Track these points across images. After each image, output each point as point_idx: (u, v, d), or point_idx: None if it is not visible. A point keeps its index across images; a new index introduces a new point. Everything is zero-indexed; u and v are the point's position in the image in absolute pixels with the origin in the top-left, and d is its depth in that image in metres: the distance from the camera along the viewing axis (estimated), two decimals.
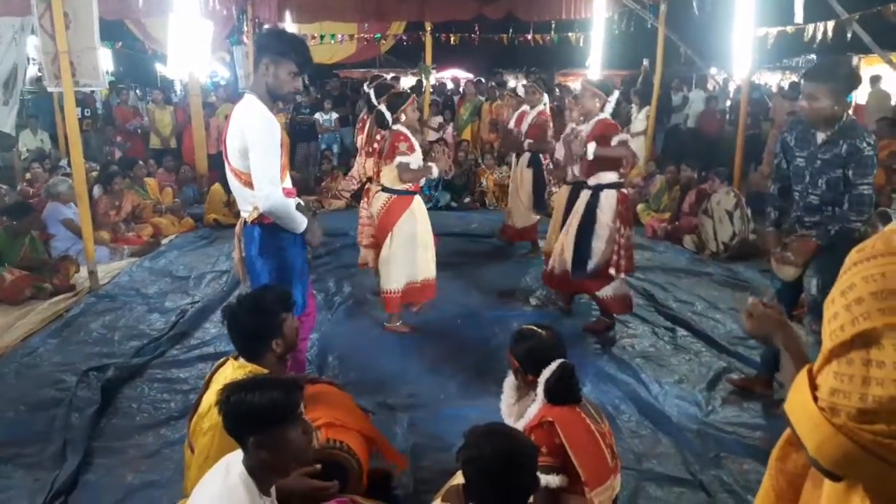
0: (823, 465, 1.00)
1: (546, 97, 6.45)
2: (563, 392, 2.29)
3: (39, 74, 8.76)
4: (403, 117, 4.43)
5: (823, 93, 3.02)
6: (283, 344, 2.45)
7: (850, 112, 3.30)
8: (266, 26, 11.57)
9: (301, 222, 3.02)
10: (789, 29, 6.93)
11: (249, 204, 2.98)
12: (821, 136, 3.18)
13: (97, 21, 5.37)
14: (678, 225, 7.16)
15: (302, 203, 3.16)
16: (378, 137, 4.86)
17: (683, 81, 11.39)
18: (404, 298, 4.57)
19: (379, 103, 4.87)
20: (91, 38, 5.34)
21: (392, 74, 11.93)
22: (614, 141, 4.28)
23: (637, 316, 4.88)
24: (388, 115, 4.48)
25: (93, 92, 10.60)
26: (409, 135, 4.41)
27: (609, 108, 4.41)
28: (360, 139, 5.84)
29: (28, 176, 7.87)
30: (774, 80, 16.86)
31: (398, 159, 4.32)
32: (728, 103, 11.87)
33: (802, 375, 1.04)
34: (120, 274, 5.84)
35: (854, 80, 3.14)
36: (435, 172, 4.48)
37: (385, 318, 4.67)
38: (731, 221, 6.48)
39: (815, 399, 1.00)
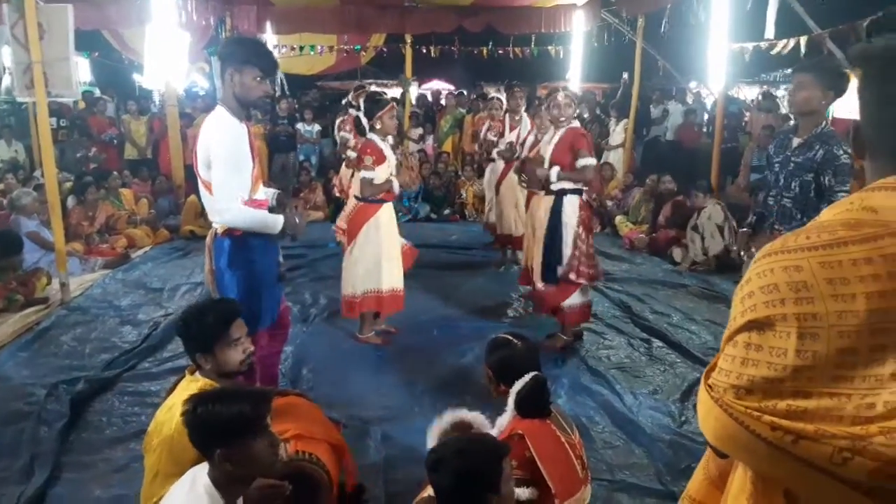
0: (708, 440, 1.10)
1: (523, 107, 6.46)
2: (534, 405, 2.29)
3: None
4: (379, 125, 4.35)
5: (812, 83, 3.14)
6: (213, 362, 2.38)
7: (829, 123, 3.39)
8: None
9: (275, 224, 3.00)
10: (763, 44, 7.02)
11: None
12: (797, 140, 3.28)
13: (72, 31, 5.31)
14: (655, 237, 7.21)
15: (276, 197, 3.13)
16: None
17: (664, 95, 11.52)
18: (364, 306, 4.50)
19: (375, 124, 4.96)
20: (65, 48, 5.28)
21: (374, 86, 11.95)
22: (579, 163, 4.26)
23: (613, 327, 4.91)
24: (364, 121, 4.48)
25: (75, 103, 10.52)
26: (380, 146, 4.33)
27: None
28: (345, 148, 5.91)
29: (1, 187, 7.75)
30: (753, 93, 17.10)
31: (361, 174, 4.31)
32: (706, 116, 12.02)
33: (713, 360, 1.15)
34: (92, 286, 5.77)
35: (843, 78, 3.21)
36: (396, 188, 4.45)
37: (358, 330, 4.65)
38: (721, 236, 6.49)
39: (709, 378, 1.12)
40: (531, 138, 5.86)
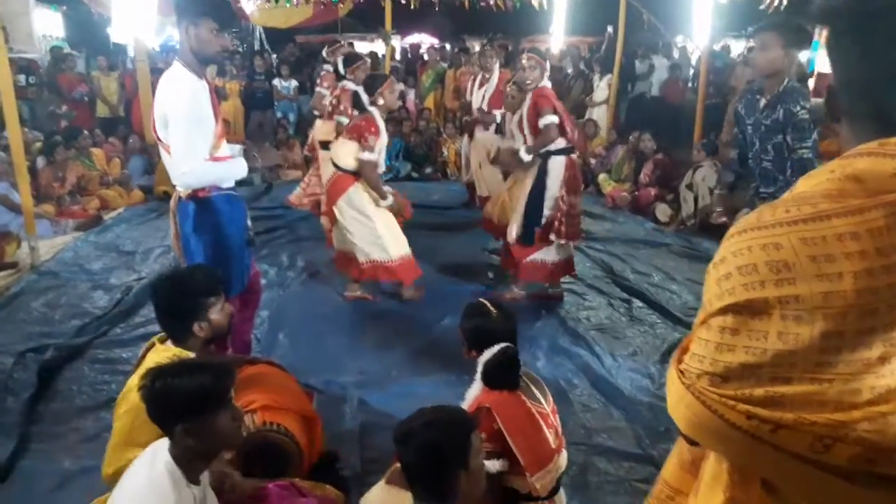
0: (679, 428, 1.03)
1: (497, 63, 6.30)
2: (501, 378, 2.23)
3: None
4: (381, 101, 4.28)
5: (774, 41, 3.12)
6: (209, 329, 2.32)
7: (812, 80, 3.36)
8: None
9: (239, 168, 2.95)
10: None
11: None
12: (763, 101, 3.25)
13: None
14: (638, 195, 7.14)
15: (241, 152, 3.06)
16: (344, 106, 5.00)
17: (649, 49, 11.32)
18: (371, 274, 4.43)
19: (347, 75, 4.89)
20: (24, 2, 5.06)
21: (349, 42, 11.63)
22: (541, 122, 4.17)
23: (594, 287, 4.87)
24: (364, 97, 4.37)
25: (48, 59, 10.15)
26: (380, 122, 4.26)
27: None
28: (324, 101, 5.77)
29: None
30: (739, 48, 16.86)
31: (363, 154, 4.20)
32: (692, 72, 11.84)
33: (684, 340, 1.09)
34: (63, 249, 5.64)
35: (803, 34, 3.20)
36: (388, 202, 4.35)
37: (341, 290, 4.60)
38: (711, 197, 6.40)
39: (681, 362, 1.04)
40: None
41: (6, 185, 5.90)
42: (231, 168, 2.93)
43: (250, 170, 3.10)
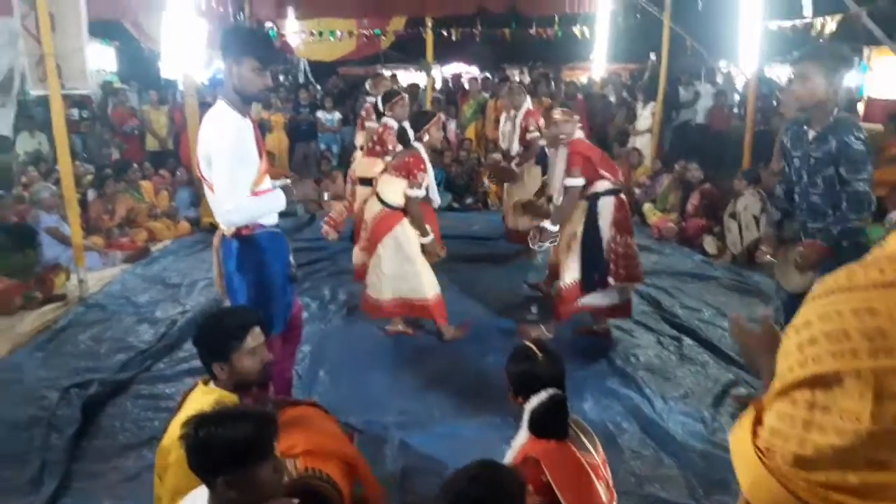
0: None
1: (528, 99, 6.27)
2: (549, 427, 2.14)
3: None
4: (427, 137, 4.33)
5: (813, 70, 2.95)
6: (230, 372, 2.28)
7: (862, 105, 3.20)
8: (268, 24, 11.47)
9: (278, 201, 2.93)
10: (798, 23, 6.72)
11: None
12: (812, 133, 3.09)
13: (85, 22, 5.21)
14: (685, 226, 6.97)
15: (281, 184, 3.06)
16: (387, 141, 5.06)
17: (693, 75, 11.15)
18: (392, 311, 4.47)
19: (385, 111, 5.01)
20: (78, 39, 5.19)
21: (391, 73, 11.76)
22: (566, 182, 4.15)
23: (641, 324, 4.72)
24: (410, 132, 4.38)
25: (95, 92, 10.48)
26: (425, 157, 4.30)
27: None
28: (361, 137, 5.78)
29: (24, 179, 7.75)
30: (785, 73, 16.55)
31: (414, 191, 4.23)
32: (737, 98, 11.62)
33: (751, 409, 0.98)
34: (111, 282, 5.72)
35: (845, 60, 3.03)
36: (428, 239, 4.37)
37: (382, 324, 4.59)
38: (757, 227, 6.19)
39: (756, 435, 0.94)
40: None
41: (57, 218, 6.03)
42: (272, 201, 2.91)
43: (291, 202, 3.09)
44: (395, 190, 4.30)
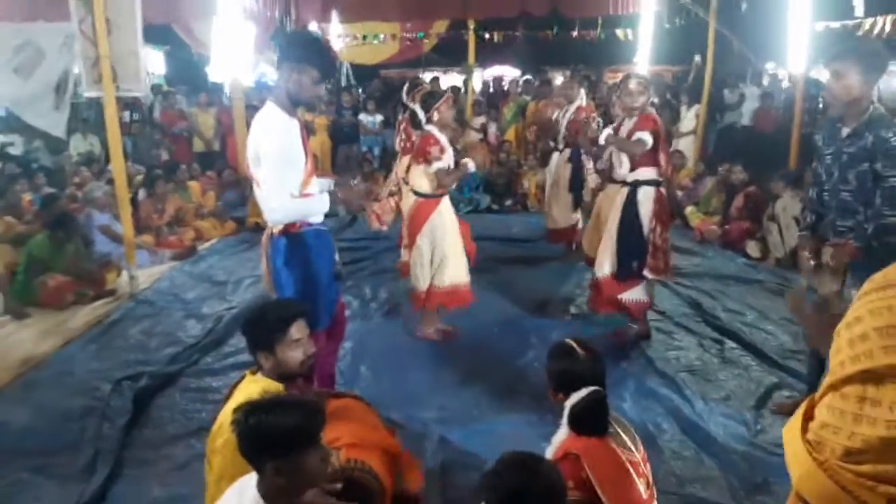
0: (805, 498, 0.96)
1: (583, 92, 6.26)
2: (590, 423, 2.15)
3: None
4: (437, 115, 4.29)
5: (849, 68, 2.93)
6: (274, 361, 2.35)
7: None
8: (311, 27, 11.65)
9: (322, 204, 2.99)
10: (848, 23, 6.57)
11: None
12: (846, 130, 3.05)
13: (140, 26, 5.38)
14: (728, 229, 6.87)
15: (326, 185, 3.14)
16: (412, 137, 4.91)
17: (738, 78, 10.98)
18: (430, 301, 4.45)
19: (409, 101, 4.91)
20: (133, 42, 5.36)
21: (432, 75, 11.84)
22: (636, 135, 4.08)
23: (683, 326, 4.68)
24: (421, 113, 4.40)
25: (147, 95, 10.79)
26: (439, 136, 4.28)
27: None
28: (399, 139, 5.80)
29: (77, 180, 8.03)
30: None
31: (435, 165, 4.23)
32: (783, 98, 11.40)
33: (805, 403, 1.00)
34: (160, 279, 5.89)
35: (881, 58, 3.00)
36: (472, 167, 4.41)
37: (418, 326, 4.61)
38: (798, 228, 6.11)
39: (806, 430, 0.96)
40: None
41: (109, 217, 6.24)
42: (316, 204, 2.99)
43: (334, 202, 3.16)
44: (419, 176, 4.33)
